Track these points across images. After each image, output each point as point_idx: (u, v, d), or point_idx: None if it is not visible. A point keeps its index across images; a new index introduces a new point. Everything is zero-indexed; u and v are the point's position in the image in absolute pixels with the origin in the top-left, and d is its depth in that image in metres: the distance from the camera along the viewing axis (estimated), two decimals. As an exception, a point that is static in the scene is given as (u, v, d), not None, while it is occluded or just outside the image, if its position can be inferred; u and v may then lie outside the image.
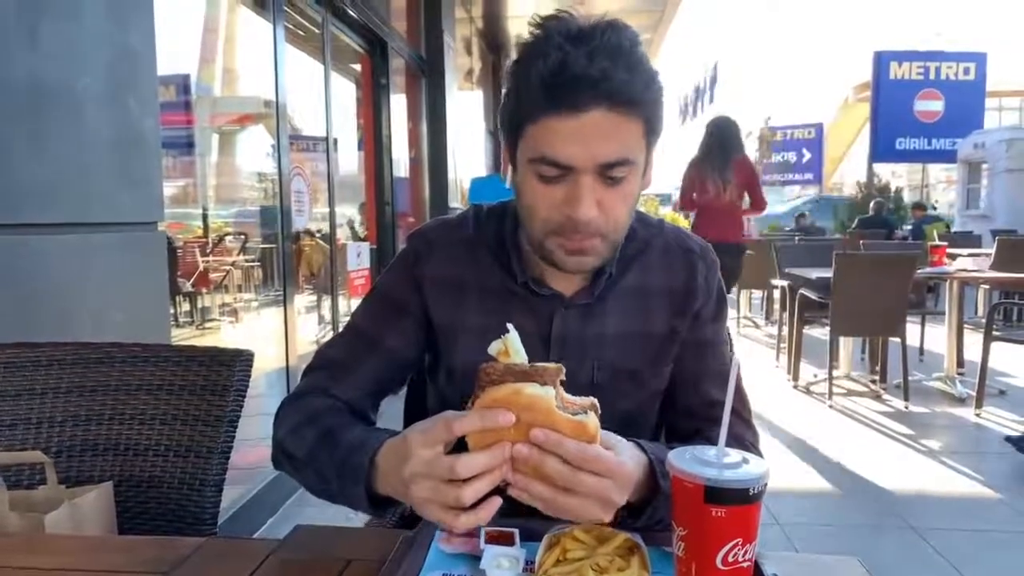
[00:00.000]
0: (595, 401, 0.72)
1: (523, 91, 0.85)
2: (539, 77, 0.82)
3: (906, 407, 4.37)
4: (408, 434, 0.75)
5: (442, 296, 1.00)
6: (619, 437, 0.77)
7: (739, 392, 1.01)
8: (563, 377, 0.70)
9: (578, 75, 0.80)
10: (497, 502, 0.70)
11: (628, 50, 0.83)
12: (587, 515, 0.72)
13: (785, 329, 5.40)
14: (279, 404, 0.99)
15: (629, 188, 0.88)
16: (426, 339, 1.03)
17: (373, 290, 1.07)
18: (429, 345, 1.03)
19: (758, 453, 0.96)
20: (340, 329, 1.08)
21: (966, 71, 17.98)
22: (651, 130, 0.87)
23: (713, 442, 0.69)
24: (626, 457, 0.75)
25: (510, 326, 0.71)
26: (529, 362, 0.70)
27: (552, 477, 0.69)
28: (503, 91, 0.91)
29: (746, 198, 4.84)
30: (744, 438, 0.98)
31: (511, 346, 0.70)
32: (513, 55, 0.89)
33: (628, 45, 0.83)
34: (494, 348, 0.71)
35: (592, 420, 0.70)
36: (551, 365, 0.69)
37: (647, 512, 0.79)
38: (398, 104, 5.60)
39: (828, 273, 4.35)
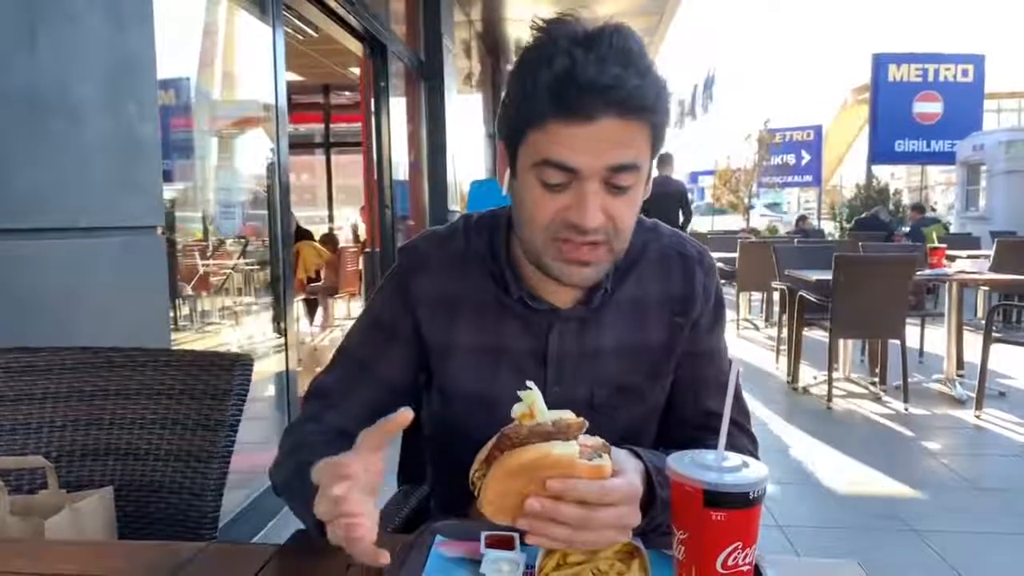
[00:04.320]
0: (605, 442, 0.73)
1: (527, 96, 0.81)
2: (546, 83, 0.79)
3: (906, 409, 4.37)
4: (322, 466, 0.72)
5: (435, 316, 0.97)
6: (619, 451, 0.76)
7: (738, 400, 0.99)
8: (585, 431, 0.70)
9: (589, 82, 0.77)
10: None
11: (638, 55, 0.80)
12: (608, 543, 0.71)
13: (785, 331, 5.40)
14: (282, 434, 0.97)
15: (634, 195, 0.85)
16: (421, 360, 1.00)
17: (365, 313, 1.04)
18: (423, 364, 1.00)
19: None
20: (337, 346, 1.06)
21: (964, 73, 18.01)
22: (657, 137, 0.84)
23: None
24: (632, 474, 0.74)
25: (531, 384, 0.69)
26: (551, 416, 0.68)
27: (570, 521, 0.68)
28: (503, 95, 0.88)
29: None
30: (744, 448, 0.95)
31: (536, 407, 0.69)
32: (514, 59, 0.86)
33: (637, 50, 0.80)
34: (517, 411, 0.69)
35: (607, 461, 0.70)
36: (573, 421, 0.69)
37: (644, 520, 0.77)
38: (397, 107, 5.60)
39: (828, 275, 4.35)
